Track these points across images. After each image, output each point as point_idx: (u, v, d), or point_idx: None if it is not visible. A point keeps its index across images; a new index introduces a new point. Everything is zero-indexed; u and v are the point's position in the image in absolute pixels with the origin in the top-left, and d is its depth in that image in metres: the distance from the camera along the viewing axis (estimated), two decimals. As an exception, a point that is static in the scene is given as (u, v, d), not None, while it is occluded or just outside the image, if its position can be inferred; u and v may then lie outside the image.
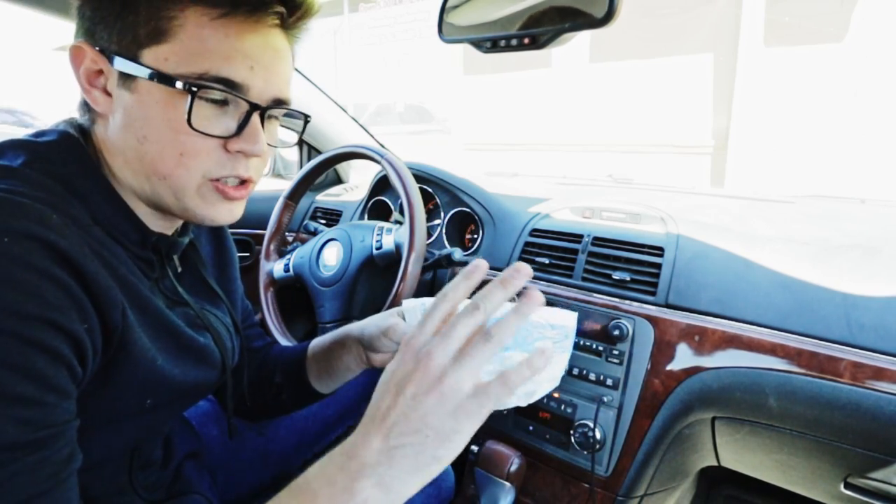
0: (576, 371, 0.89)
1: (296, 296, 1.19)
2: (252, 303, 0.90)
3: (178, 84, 0.48)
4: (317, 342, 0.79)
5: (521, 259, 1.03)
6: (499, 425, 0.97)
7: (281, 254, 1.17)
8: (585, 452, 0.86)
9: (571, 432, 0.87)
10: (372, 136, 1.66)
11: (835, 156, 4.79)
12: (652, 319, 0.84)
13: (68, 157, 0.51)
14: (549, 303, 0.95)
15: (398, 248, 0.99)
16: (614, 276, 0.91)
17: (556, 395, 0.90)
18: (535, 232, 1.03)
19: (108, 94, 0.51)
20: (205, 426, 0.87)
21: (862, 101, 4.69)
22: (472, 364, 0.40)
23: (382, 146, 1.55)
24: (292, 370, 0.79)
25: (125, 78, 0.50)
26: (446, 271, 1.11)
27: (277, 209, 1.17)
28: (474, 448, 0.96)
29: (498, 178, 1.43)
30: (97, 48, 0.50)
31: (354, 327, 0.74)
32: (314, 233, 1.27)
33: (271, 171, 1.82)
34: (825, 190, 1.29)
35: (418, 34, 9.43)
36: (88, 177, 0.51)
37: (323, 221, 1.44)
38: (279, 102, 0.55)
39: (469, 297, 0.48)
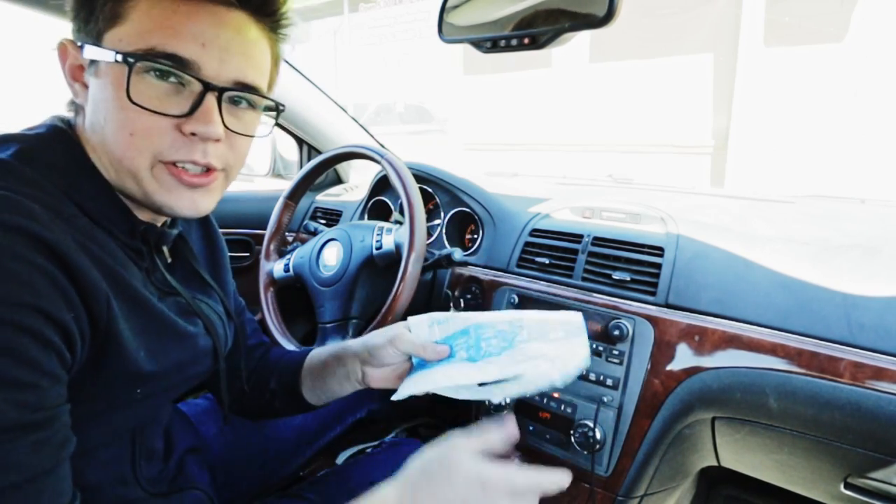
0: (576, 371, 0.89)
1: (296, 296, 1.19)
2: (252, 303, 0.91)
3: (119, 57, 0.48)
4: (315, 353, 0.78)
5: (521, 259, 1.03)
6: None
7: (281, 254, 1.17)
8: (585, 452, 0.86)
9: (571, 432, 0.87)
10: (372, 136, 1.66)
11: (835, 156, 4.79)
12: (652, 319, 0.84)
13: (56, 148, 0.52)
14: (550, 304, 0.95)
15: (398, 248, 0.99)
16: (614, 276, 0.91)
17: (556, 395, 0.90)
18: (535, 232, 1.03)
19: (86, 85, 0.52)
20: (203, 423, 0.87)
21: (862, 101, 4.69)
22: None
23: (382, 146, 1.55)
24: (287, 380, 0.78)
25: (93, 65, 0.51)
26: (446, 271, 1.11)
27: (277, 209, 1.17)
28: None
29: (498, 178, 1.43)
30: (78, 43, 0.52)
31: (355, 342, 0.72)
32: (314, 233, 1.27)
33: (271, 170, 1.82)
34: (825, 190, 1.28)
35: (418, 34, 9.43)
36: (75, 168, 0.52)
37: (323, 221, 1.44)
38: (243, 87, 0.54)
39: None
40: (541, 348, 0.57)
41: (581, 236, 0.97)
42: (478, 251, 1.11)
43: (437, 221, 1.24)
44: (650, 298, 0.87)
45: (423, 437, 1.12)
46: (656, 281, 0.87)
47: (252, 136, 0.58)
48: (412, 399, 0.62)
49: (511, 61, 6.96)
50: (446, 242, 1.20)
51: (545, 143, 6.89)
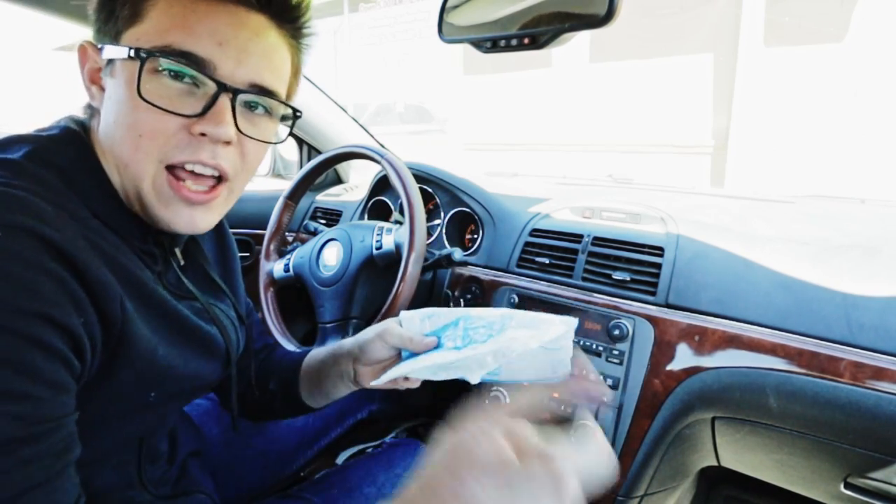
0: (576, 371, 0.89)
1: (296, 296, 1.19)
2: (252, 303, 0.90)
3: (132, 52, 0.47)
4: (312, 354, 0.77)
5: (521, 259, 1.03)
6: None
7: (281, 254, 1.17)
8: (585, 452, 0.86)
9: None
10: (372, 136, 1.66)
11: (835, 156, 4.79)
12: (652, 319, 0.84)
13: (69, 150, 0.51)
14: (550, 304, 0.95)
15: (398, 248, 0.99)
16: (614, 276, 0.91)
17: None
18: (535, 232, 1.03)
19: (103, 88, 0.52)
20: (206, 425, 0.87)
21: (862, 101, 4.69)
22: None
23: (382, 146, 1.55)
24: (285, 381, 0.78)
25: (110, 65, 0.50)
26: (446, 271, 1.11)
27: (277, 209, 1.17)
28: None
29: (498, 178, 1.43)
30: (98, 45, 0.51)
31: (348, 341, 0.71)
32: (314, 233, 1.27)
33: (271, 170, 1.82)
34: (825, 190, 1.28)
35: (418, 34, 9.43)
36: (87, 171, 0.51)
37: (323, 221, 1.44)
38: (260, 90, 0.52)
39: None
40: (526, 333, 0.57)
41: (581, 236, 0.97)
42: (478, 251, 1.11)
43: (437, 221, 1.24)
44: (650, 298, 0.87)
45: (423, 437, 1.12)
46: (656, 281, 0.87)
47: (266, 143, 0.56)
48: (412, 399, 0.62)
49: (511, 61, 6.96)
50: (446, 242, 1.20)
51: (545, 143, 6.89)
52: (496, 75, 7.33)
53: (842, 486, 0.77)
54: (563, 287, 0.96)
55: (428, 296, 1.13)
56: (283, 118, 0.58)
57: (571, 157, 6.62)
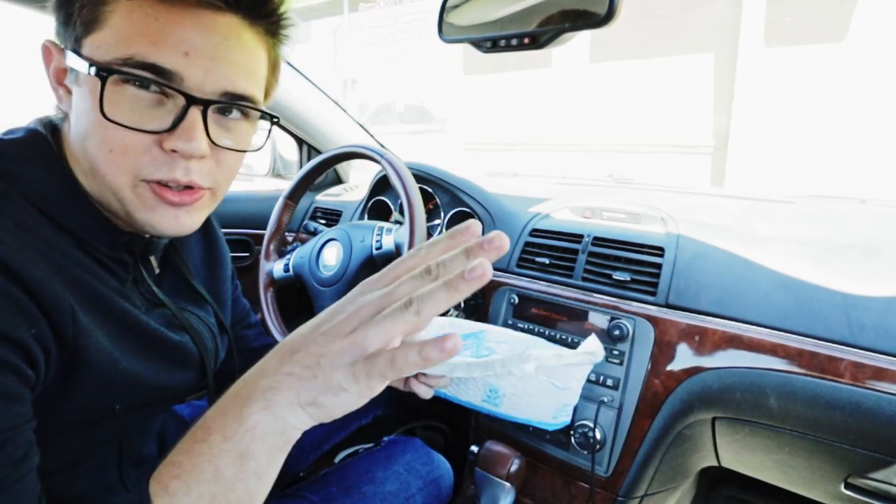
0: (576, 371, 0.89)
1: (296, 296, 1.18)
2: (252, 303, 0.90)
3: (92, 70, 0.45)
4: None
5: (521, 259, 1.03)
6: (499, 425, 0.97)
7: (281, 254, 1.17)
8: (585, 453, 0.86)
9: (571, 432, 0.87)
10: (372, 136, 1.66)
11: (835, 156, 4.79)
12: (652, 319, 0.84)
13: (31, 156, 0.49)
14: (550, 304, 0.95)
15: (398, 248, 0.99)
16: (614, 276, 0.91)
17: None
18: (536, 232, 1.03)
19: (70, 91, 0.50)
20: None
21: (862, 101, 4.69)
22: (383, 326, 0.36)
23: (382, 146, 1.55)
24: None
25: (75, 72, 0.48)
26: (446, 271, 1.11)
27: (277, 209, 1.17)
28: (474, 448, 0.96)
29: (498, 178, 1.43)
30: (61, 46, 0.49)
31: None
32: (314, 233, 1.27)
33: (271, 170, 1.82)
34: (825, 190, 1.28)
35: (418, 34, 9.43)
36: (53, 177, 0.49)
37: (323, 221, 1.44)
38: (233, 97, 0.50)
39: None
40: (549, 352, 0.55)
41: (581, 236, 0.97)
42: (478, 251, 1.11)
43: (437, 221, 1.24)
44: (650, 298, 0.87)
45: (422, 437, 1.12)
46: (656, 281, 0.87)
47: (242, 151, 0.54)
48: (414, 401, 0.61)
49: (511, 61, 6.96)
50: (446, 242, 1.20)
51: (545, 143, 6.89)
52: (496, 75, 7.33)
53: (842, 486, 0.77)
54: (563, 287, 0.96)
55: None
56: (263, 116, 0.55)
57: (571, 157, 6.62)
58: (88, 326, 0.46)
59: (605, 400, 0.85)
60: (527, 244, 1.03)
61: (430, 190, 1.24)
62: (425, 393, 0.53)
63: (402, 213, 0.97)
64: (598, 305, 0.90)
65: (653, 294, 0.87)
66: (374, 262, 1.02)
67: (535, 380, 0.54)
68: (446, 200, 1.22)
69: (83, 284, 0.47)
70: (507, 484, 0.89)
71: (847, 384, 0.68)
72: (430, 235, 1.24)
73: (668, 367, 0.81)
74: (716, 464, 0.91)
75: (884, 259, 0.79)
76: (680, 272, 0.86)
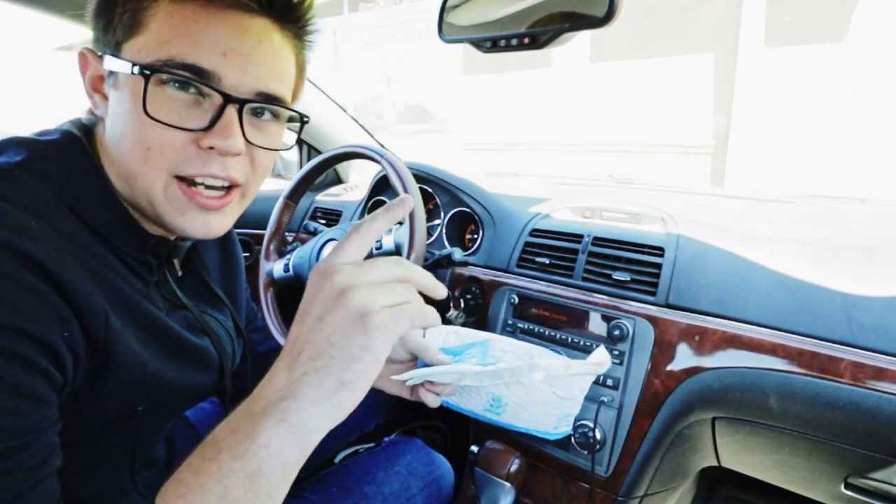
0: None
1: (296, 296, 1.18)
2: (254, 305, 0.90)
3: (135, 69, 0.46)
4: None
5: (521, 259, 1.03)
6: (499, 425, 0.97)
7: (281, 254, 1.16)
8: (585, 453, 0.86)
9: (571, 432, 0.87)
10: (372, 136, 1.66)
11: (835, 156, 4.79)
12: (652, 319, 0.84)
13: (67, 157, 0.50)
14: (550, 304, 0.95)
15: (398, 247, 0.98)
16: (614, 276, 0.91)
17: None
18: (536, 232, 1.03)
19: (106, 97, 0.51)
20: (208, 429, 0.86)
21: (862, 101, 4.69)
22: (380, 290, 0.38)
23: (382, 146, 1.55)
24: None
25: (113, 76, 0.49)
26: (446, 271, 1.11)
27: (277, 209, 1.17)
28: (474, 448, 0.95)
29: (498, 178, 1.43)
30: (98, 53, 0.50)
31: None
32: (314, 233, 1.27)
33: (271, 170, 1.82)
34: (825, 190, 1.28)
35: (418, 34, 9.42)
36: (86, 179, 0.50)
37: (323, 221, 1.43)
38: (266, 98, 0.52)
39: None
40: (556, 362, 0.54)
41: (581, 236, 0.97)
42: (478, 251, 1.11)
43: (437, 221, 1.24)
44: (650, 298, 0.87)
45: (422, 437, 1.12)
46: (656, 281, 0.87)
47: (275, 150, 0.56)
48: (413, 401, 0.61)
49: (511, 61, 6.95)
50: (446, 242, 1.20)
51: (545, 143, 6.89)
52: (496, 75, 7.33)
53: (842, 486, 0.77)
54: (563, 287, 0.96)
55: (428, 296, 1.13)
56: (290, 119, 0.58)
57: (571, 157, 6.62)
58: (120, 329, 0.47)
59: (605, 400, 0.85)
60: (527, 244, 1.03)
61: (430, 190, 1.24)
62: (433, 401, 0.53)
63: (402, 213, 0.96)
64: (598, 305, 0.90)
65: (653, 294, 0.87)
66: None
67: (538, 389, 0.54)
68: (446, 200, 1.22)
69: (115, 287, 0.48)
70: (507, 484, 0.89)
71: (847, 384, 0.68)
72: (429, 235, 1.24)
73: (668, 367, 0.81)
74: (716, 464, 0.91)
75: (884, 259, 0.79)
76: (680, 272, 0.86)
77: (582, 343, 0.89)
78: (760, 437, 0.78)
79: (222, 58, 0.48)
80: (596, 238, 0.95)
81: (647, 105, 6.02)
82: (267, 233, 1.16)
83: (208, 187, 0.52)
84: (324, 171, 1.20)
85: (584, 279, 0.94)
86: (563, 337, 0.92)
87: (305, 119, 0.59)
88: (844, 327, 0.71)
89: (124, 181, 0.51)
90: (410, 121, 9.83)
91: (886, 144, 4.50)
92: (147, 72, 0.46)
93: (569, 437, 0.88)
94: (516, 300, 0.99)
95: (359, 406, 0.75)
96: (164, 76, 0.47)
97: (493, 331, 1.02)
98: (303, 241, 1.18)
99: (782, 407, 0.72)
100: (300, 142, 1.63)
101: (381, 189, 1.34)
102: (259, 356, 0.83)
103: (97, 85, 0.52)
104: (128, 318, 0.49)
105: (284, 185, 1.21)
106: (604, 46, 6.13)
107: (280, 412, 0.37)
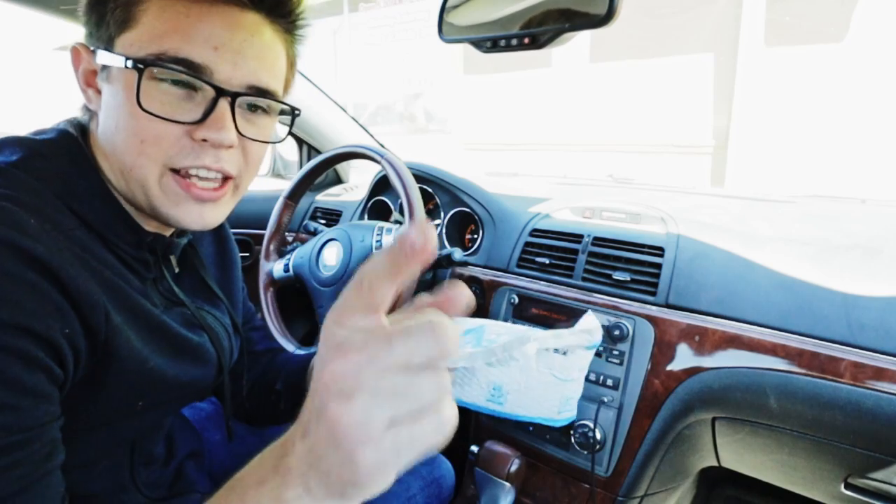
0: (576, 371, 0.89)
1: (296, 296, 1.18)
2: (252, 303, 0.90)
3: (129, 63, 0.47)
4: None
5: (521, 259, 1.03)
6: (499, 425, 0.97)
7: (281, 254, 1.16)
8: (585, 453, 0.86)
9: (571, 432, 0.87)
10: (372, 136, 1.66)
11: (835, 156, 4.79)
12: (652, 319, 0.84)
13: (64, 156, 0.50)
14: (550, 304, 0.95)
15: (398, 248, 0.99)
16: (614, 276, 0.91)
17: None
18: (536, 232, 1.03)
19: (99, 91, 0.52)
20: (206, 430, 0.87)
21: (862, 101, 4.69)
22: (391, 398, 0.26)
23: (382, 146, 1.55)
24: (294, 380, 0.78)
25: (106, 70, 0.50)
26: (446, 271, 1.11)
27: (277, 209, 1.17)
28: (474, 448, 0.95)
29: (498, 178, 1.43)
30: (91, 48, 0.51)
31: None
32: (314, 233, 1.27)
33: (271, 170, 1.82)
34: (825, 190, 1.28)
35: (418, 34, 9.42)
36: (83, 177, 0.51)
37: (323, 221, 1.43)
38: (258, 91, 0.52)
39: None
40: (548, 334, 0.52)
41: (581, 236, 0.97)
42: (478, 251, 1.11)
43: (437, 221, 1.24)
44: (650, 298, 0.87)
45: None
46: (656, 281, 0.87)
47: (266, 143, 0.57)
48: None
49: (511, 61, 6.95)
50: (446, 242, 1.20)
51: (545, 143, 6.89)
52: (496, 75, 7.33)
53: (842, 486, 0.77)
54: (563, 287, 0.96)
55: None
56: (282, 113, 0.58)
57: (571, 157, 6.61)
58: (120, 326, 0.48)
59: (605, 400, 0.85)
60: (527, 244, 1.03)
61: (430, 190, 1.24)
62: None
63: (402, 213, 0.97)
64: (598, 305, 0.90)
65: (653, 294, 0.87)
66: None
67: (536, 373, 0.54)
68: (446, 200, 1.22)
69: (114, 285, 0.49)
70: (507, 484, 0.89)
71: (847, 384, 0.68)
72: (430, 235, 1.23)
73: (668, 367, 0.81)
74: (716, 464, 0.91)
75: (884, 259, 0.79)
76: (680, 272, 0.86)
77: (579, 321, 0.89)
78: (760, 437, 0.78)
79: (214, 52, 0.48)
80: (596, 238, 0.95)
81: (647, 105, 6.01)
82: (267, 233, 1.16)
83: (202, 179, 0.52)
84: (324, 171, 1.20)
85: (584, 279, 0.94)
86: (563, 337, 0.92)
87: (297, 112, 0.59)
88: (844, 327, 0.71)
89: (119, 175, 0.51)
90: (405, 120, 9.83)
91: (886, 144, 4.50)
92: (140, 66, 0.47)
93: (569, 436, 0.88)
94: (516, 300, 0.99)
95: None
96: (157, 70, 0.47)
97: (493, 331, 1.02)
98: (303, 241, 1.18)
99: (782, 407, 0.72)
100: (299, 141, 1.63)
101: (381, 189, 1.34)
102: (257, 355, 0.83)
103: (90, 79, 0.52)
104: (127, 315, 0.49)
105: (284, 185, 1.21)
106: (604, 46, 6.13)
107: (303, 485, 0.29)
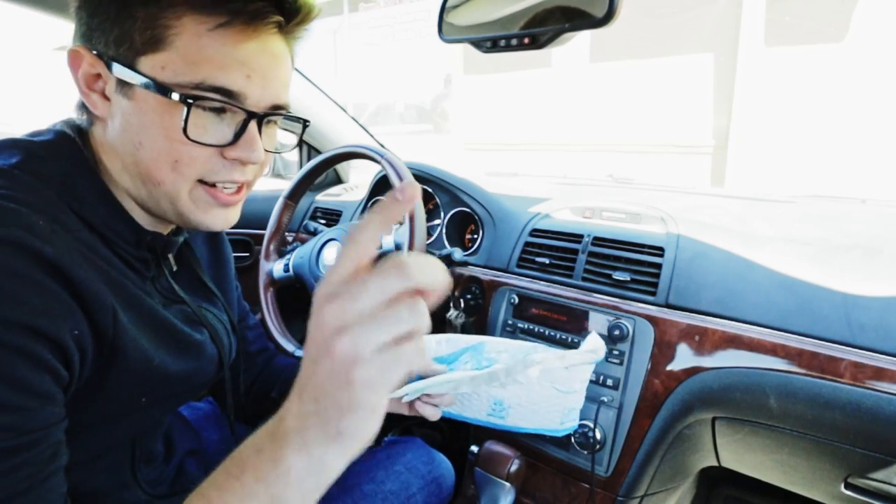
0: (576, 371, 0.89)
1: (296, 296, 1.18)
2: (252, 303, 0.90)
3: (175, 95, 0.47)
4: None
5: (521, 259, 1.03)
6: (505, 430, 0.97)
7: (281, 254, 1.16)
8: (585, 453, 0.86)
9: (577, 428, 0.87)
10: (372, 136, 1.66)
11: (835, 156, 4.79)
12: (652, 319, 0.84)
13: (63, 157, 0.50)
14: (550, 304, 0.95)
15: (398, 248, 0.98)
16: (614, 276, 0.91)
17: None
18: (536, 232, 1.03)
19: (107, 98, 0.51)
20: (205, 429, 0.87)
21: (862, 101, 4.69)
22: (374, 326, 0.32)
23: (382, 146, 1.55)
24: (289, 390, 0.78)
25: (123, 84, 0.49)
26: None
27: (277, 209, 1.17)
28: (474, 448, 0.95)
29: (498, 178, 1.43)
30: (95, 52, 0.50)
31: None
32: (314, 233, 1.27)
33: (271, 170, 1.82)
34: (825, 190, 1.28)
35: (418, 34, 9.42)
36: (83, 177, 0.51)
37: (323, 221, 1.43)
38: (277, 108, 0.55)
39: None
40: (550, 354, 0.52)
41: (581, 236, 0.97)
42: (478, 251, 1.11)
43: (437, 221, 1.24)
44: (650, 298, 0.87)
45: (421, 435, 1.12)
46: (656, 281, 0.87)
47: (279, 152, 0.61)
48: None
49: (511, 61, 6.95)
50: (446, 242, 1.20)
51: (545, 143, 6.89)
52: (496, 75, 7.33)
53: (842, 486, 0.77)
54: (563, 287, 0.96)
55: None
56: (294, 120, 0.62)
57: (571, 157, 6.61)
58: (127, 325, 0.48)
59: (605, 400, 0.85)
60: (527, 244, 1.03)
61: (430, 190, 1.24)
62: (433, 414, 0.52)
63: (402, 213, 0.96)
64: (598, 305, 0.90)
65: (653, 294, 0.87)
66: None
67: (538, 387, 0.53)
68: (446, 200, 1.22)
69: (119, 284, 0.49)
70: (507, 484, 0.89)
71: (847, 384, 0.68)
72: (429, 235, 1.23)
73: (668, 367, 0.81)
74: (716, 464, 0.91)
75: (884, 259, 0.79)
76: (680, 272, 0.86)
77: (583, 342, 0.89)
78: (760, 437, 0.78)
79: (247, 79, 0.50)
80: (596, 238, 0.95)
81: (647, 105, 6.01)
82: (267, 233, 1.16)
83: (226, 186, 0.55)
84: (324, 171, 1.20)
85: (584, 279, 0.94)
86: (563, 337, 0.92)
87: (307, 123, 0.63)
88: (844, 327, 0.71)
89: (140, 185, 0.52)
90: (410, 121, 9.83)
91: (886, 144, 4.50)
92: (190, 100, 0.48)
93: (569, 436, 0.88)
94: (516, 300, 0.99)
95: None
96: (199, 100, 0.48)
97: (493, 331, 1.02)
98: (303, 241, 1.18)
99: (782, 407, 0.72)
100: (300, 142, 1.63)
101: (381, 189, 1.34)
102: (252, 355, 0.84)
103: (92, 83, 0.51)
104: (133, 314, 0.50)
105: (284, 185, 1.21)
106: (604, 46, 6.12)
107: (299, 440, 0.35)
